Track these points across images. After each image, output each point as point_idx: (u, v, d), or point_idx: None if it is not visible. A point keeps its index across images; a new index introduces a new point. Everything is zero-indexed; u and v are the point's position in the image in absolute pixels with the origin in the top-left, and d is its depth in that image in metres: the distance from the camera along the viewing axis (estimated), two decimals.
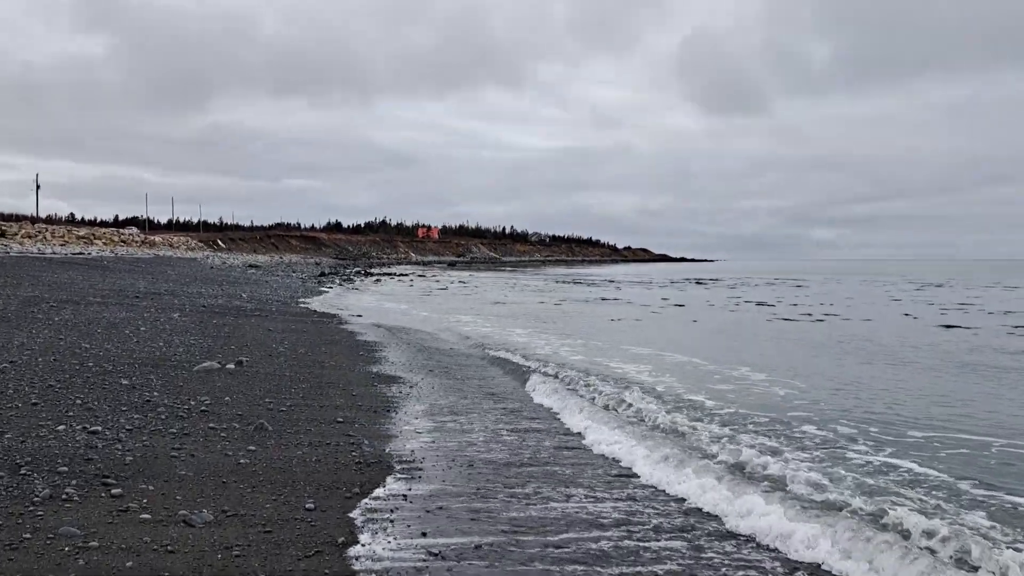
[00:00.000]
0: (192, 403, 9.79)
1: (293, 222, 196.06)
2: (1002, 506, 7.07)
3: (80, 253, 61.77)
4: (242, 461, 7.34)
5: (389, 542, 5.67)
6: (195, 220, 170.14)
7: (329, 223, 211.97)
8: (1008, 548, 5.73)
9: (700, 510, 6.81)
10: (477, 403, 11.69)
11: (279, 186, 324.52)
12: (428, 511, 6.44)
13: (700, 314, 31.02)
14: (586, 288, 55.15)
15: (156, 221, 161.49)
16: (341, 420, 9.66)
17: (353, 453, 8.05)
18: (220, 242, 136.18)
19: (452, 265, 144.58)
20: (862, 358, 17.57)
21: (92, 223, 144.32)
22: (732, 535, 6.24)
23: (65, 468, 6.58)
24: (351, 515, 6.18)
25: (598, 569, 5.36)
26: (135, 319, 19.09)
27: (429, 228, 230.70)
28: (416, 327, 23.84)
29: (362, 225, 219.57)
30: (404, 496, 6.79)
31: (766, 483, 7.59)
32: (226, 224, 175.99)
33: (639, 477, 7.83)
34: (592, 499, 7.01)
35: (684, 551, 5.80)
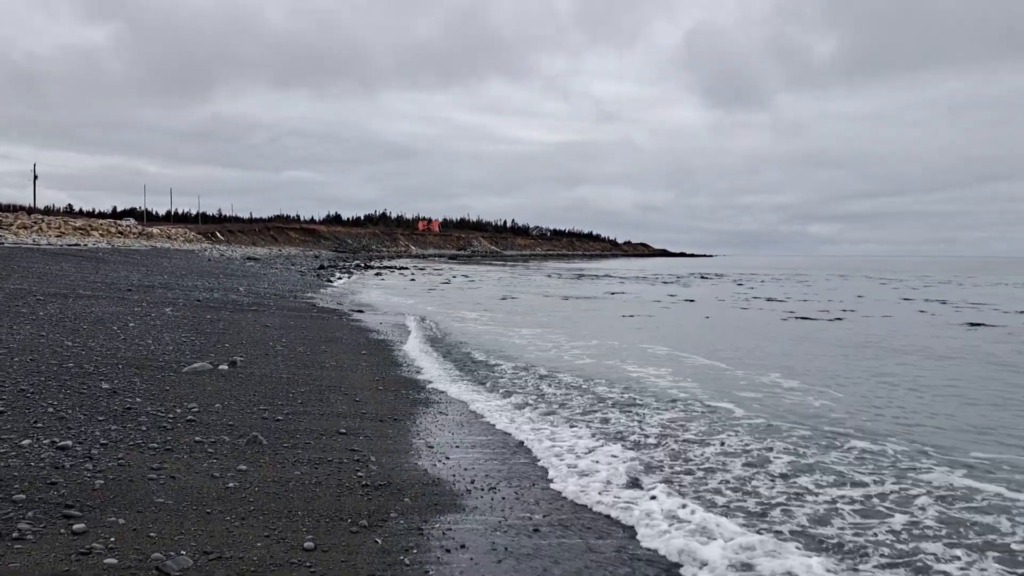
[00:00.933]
0: (178, 411, 8.82)
1: (292, 214, 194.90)
2: None
3: (76, 244, 60.65)
4: (230, 485, 6.37)
5: None
6: (194, 212, 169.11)
7: (329, 215, 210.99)
8: None
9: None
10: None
11: (279, 178, 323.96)
12: (448, 550, 5.48)
13: (712, 311, 30.03)
14: (590, 283, 54.16)
15: (154, 212, 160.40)
16: (344, 431, 8.68)
17: (359, 473, 7.07)
18: (219, 234, 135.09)
19: (453, 258, 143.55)
20: (895, 359, 16.48)
21: (90, 214, 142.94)
22: None
23: (23, 496, 5.61)
24: (357, 560, 5.19)
25: None
26: (124, 314, 18.10)
27: (430, 221, 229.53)
28: (420, 322, 22.85)
29: (362, 218, 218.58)
30: (420, 531, 5.82)
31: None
32: (225, 216, 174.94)
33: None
34: None
35: None
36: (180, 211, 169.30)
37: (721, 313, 28.84)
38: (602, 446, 8.69)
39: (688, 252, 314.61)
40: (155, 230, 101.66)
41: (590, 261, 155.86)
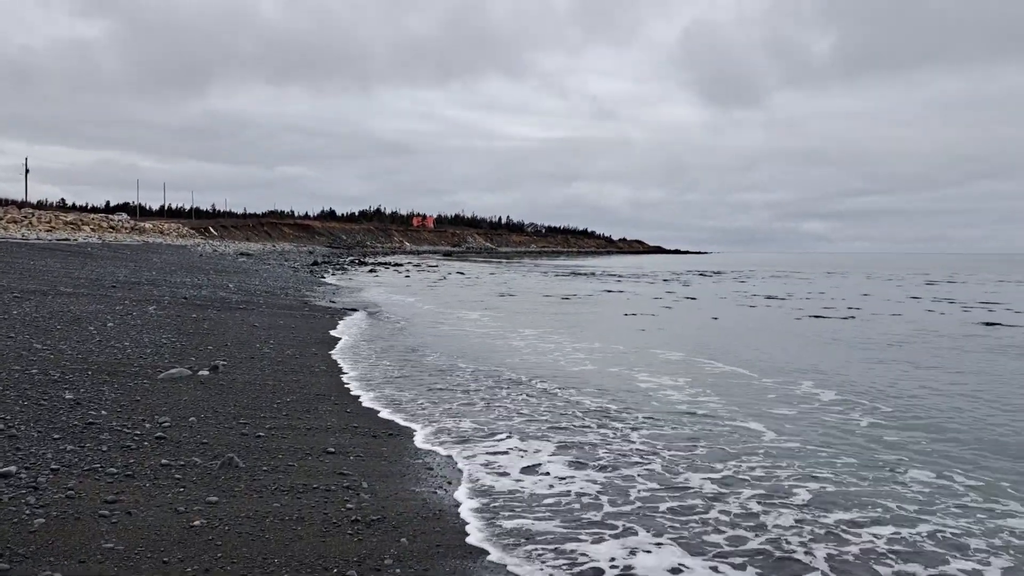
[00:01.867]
0: (147, 426, 7.87)
1: (287, 210, 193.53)
2: None
3: (66, 239, 59.53)
4: (196, 523, 5.42)
5: None
6: (187, 207, 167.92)
7: (323, 211, 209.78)
8: None
9: None
10: (501, 426, 9.78)
11: (273, 174, 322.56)
12: None
13: (718, 310, 29.08)
14: (588, 281, 53.23)
15: (148, 208, 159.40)
16: (332, 450, 7.73)
17: (348, 504, 6.13)
18: (212, 229, 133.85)
19: (447, 255, 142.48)
20: (929, 363, 15.35)
21: (83, 209, 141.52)
22: None
23: None
24: None
25: None
26: (104, 312, 17.12)
27: (424, 217, 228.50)
28: (416, 322, 21.89)
29: (356, 214, 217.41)
30: None
31: None
32: (219, 211, 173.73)
33: None
34: None
35: None
36: (174, 206, 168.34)
37: (729, 312, 27.85)
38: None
39: (683, 249, 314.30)
40: (148, 225, 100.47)
41: (585, 258, 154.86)
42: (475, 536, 5.76)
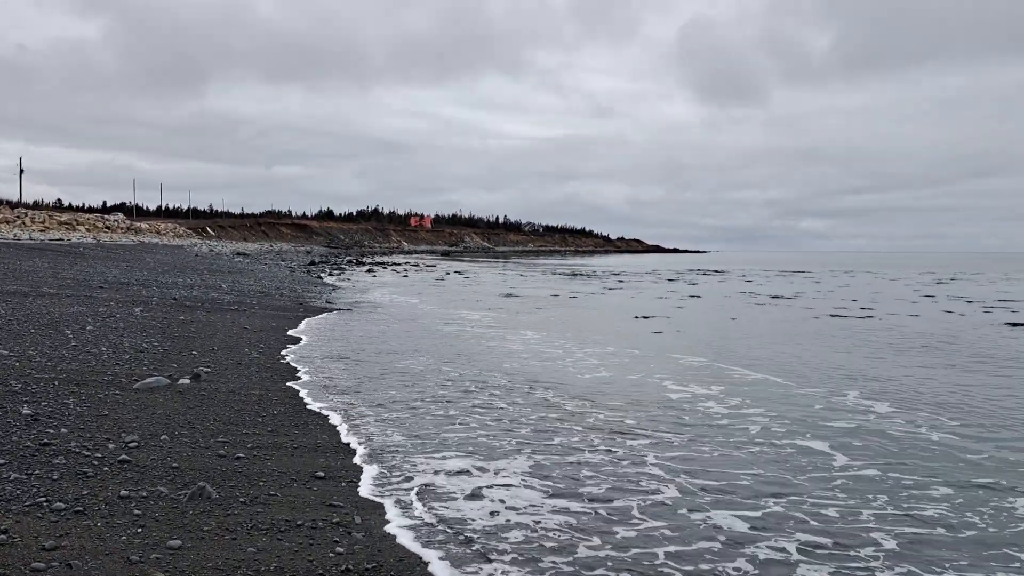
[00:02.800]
0: (111, 446, 6.88)
1: (284, 209, 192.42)
2: None
3: (59, 239, 58.50)
4: None
5: None
6: (184, 207, 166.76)
7: (320, 211, 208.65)
8: None
9: None
10: (511, 446, 8.79)
11: (270, 173, 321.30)
12: None
13: (731, 310, 28.02)
14: (590, 282, 52.23)
15: (144, 208, 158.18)
16: (322, 475, 6.74)
17: (339, 548, 5.12)
18: (209, 229, 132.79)
19: (445, 255, 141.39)
20: (969, 367, 14.30)
21: (79, 209, 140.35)
22: None
23: None
24: None
25: None
26: (85, 315, 16.13)
27: (422, 217, 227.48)
28: (418, 324, 20.88)
29: (354, 213, 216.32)
30: None
31: None
32: (216, 211, 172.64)
33: None
34: None
35: None
36: (170, 206, 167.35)
37: (744, 313, 26.76)
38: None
39: (681, 248, 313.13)
40: (144, 225, 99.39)
41: (584, 257, 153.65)
42: None
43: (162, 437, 7.38)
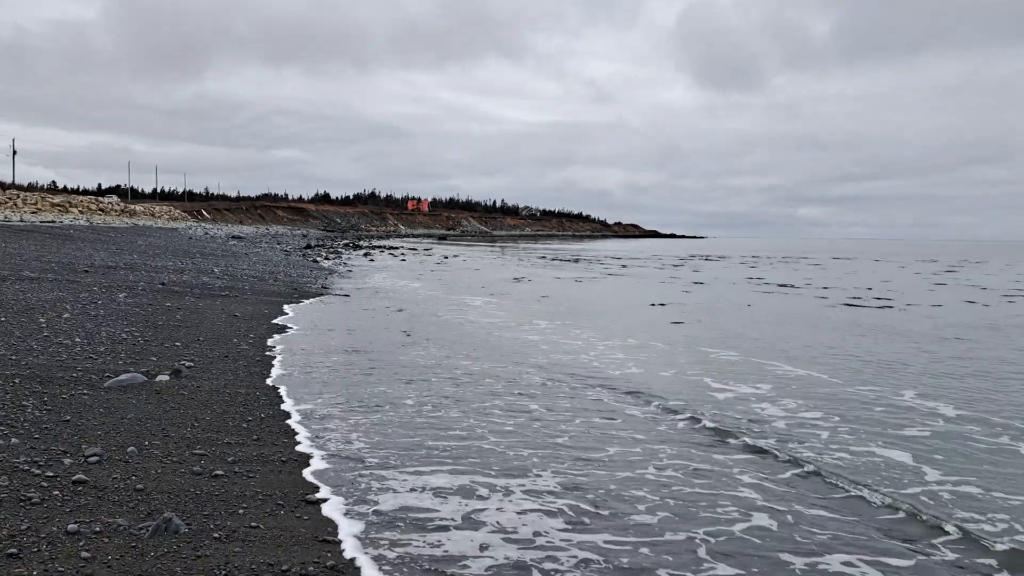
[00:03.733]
0: (67, 462, 5.85)
1: (281, 193, 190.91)
2: None
3: (51, 222, 57.20)
4: None
5: None
6: (180, 190, 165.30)
7: (317, 194, 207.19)
8: None
9: None
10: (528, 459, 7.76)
11: (266, 157, 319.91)
12: None
13: (749, 297, 26.91)
14: (593, 267, 51.20)
15: (140, 190, 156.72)
16: (315, 499, 5.71)
17: None
18: (205, 212, 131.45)
19: (442, 239, 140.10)
20: (1021, 361, 13.34)
21: (73, 191, 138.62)
22: None
23: None
24: None
25: None
26: (64, 301, 15.06)
27: (419, 201, 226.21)
28: (418, 310, 19.80)
29: (351, 197, 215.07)
30: None
31: None
32: (212, 194, 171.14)
33: None
34: None
35: None
36: (166, 189, 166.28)
37: (763, 301, 25.57)
38: None
39: (678, 233, 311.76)
40: (138, 208, 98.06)
41: (583, 242, 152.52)
42: None
43: (129, 449, 6.34)
